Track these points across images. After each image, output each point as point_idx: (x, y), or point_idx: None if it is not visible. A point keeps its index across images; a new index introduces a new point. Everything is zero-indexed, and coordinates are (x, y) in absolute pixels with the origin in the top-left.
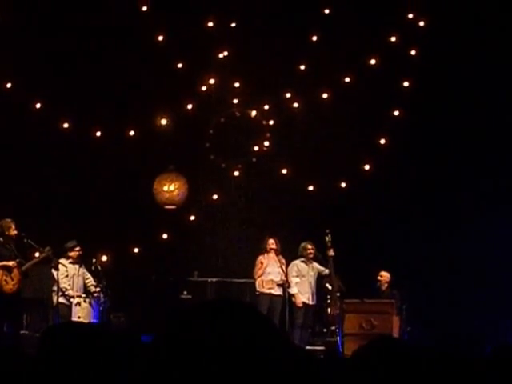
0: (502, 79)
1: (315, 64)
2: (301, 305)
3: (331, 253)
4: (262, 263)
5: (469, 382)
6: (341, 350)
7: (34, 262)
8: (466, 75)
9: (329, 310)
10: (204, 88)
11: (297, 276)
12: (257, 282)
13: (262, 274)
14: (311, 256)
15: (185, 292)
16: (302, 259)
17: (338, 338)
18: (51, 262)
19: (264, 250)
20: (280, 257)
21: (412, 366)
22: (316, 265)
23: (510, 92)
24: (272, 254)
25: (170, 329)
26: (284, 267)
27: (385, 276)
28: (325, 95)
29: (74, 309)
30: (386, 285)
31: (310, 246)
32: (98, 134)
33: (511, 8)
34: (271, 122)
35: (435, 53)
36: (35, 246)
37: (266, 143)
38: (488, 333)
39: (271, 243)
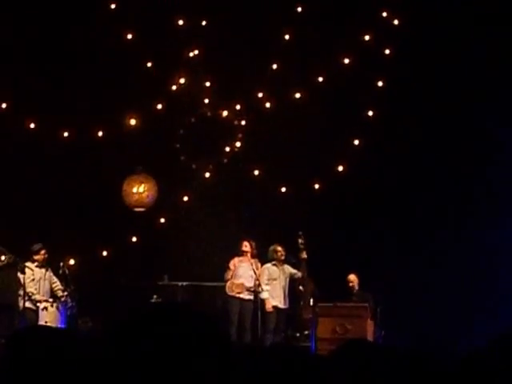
0: (479, 78)
1: (288, 63)
2: (271, 310)
3: (304, 255)
4: (234, 266)
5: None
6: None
7: None
8: (442, 74)
9: (302, 313)
10: (174, 87)
11: (267, 283)
12: (227, 285)
13: (232, 277)
14: (282, 258)
15: (155, 296)
16: (273, 262)
17: (311, 342)
18: (17, 266)
19: (239, 253)
20: (254, 260)
21: (386, 369)
22: (288, 267)
23: (486, 90)
24: (246, 257)
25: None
26: (258, 271)
27: (354, 279)
28: (297, 95)
29: (41, 313)
30: (356, 287)
31: (279, 248)
32: (66, 134)
33: (487, 6)
34: (243, 123)
35: (410, 52)
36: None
37: (238, 144)
38: (462, 336)
39: (244, 245)
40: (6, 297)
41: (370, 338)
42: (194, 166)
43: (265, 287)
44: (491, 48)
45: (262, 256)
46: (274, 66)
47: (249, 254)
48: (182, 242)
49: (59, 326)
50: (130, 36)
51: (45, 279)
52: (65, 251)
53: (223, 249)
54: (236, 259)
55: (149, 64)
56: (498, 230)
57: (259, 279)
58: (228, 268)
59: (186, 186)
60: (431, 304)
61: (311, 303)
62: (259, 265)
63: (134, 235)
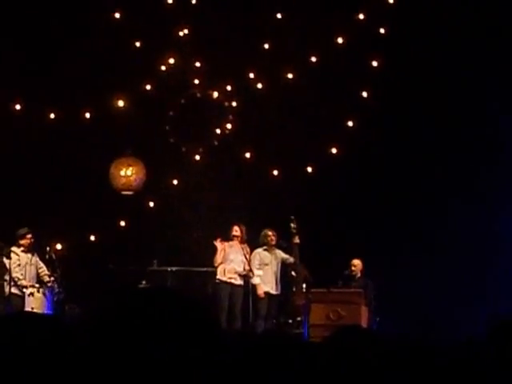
0: (476, 55)
1: (280, 43)
2: (263, 295)
3: (296, 240)
4: (223, 250)
5: (439, 372)
6: None
7: None
8: (437, 53)
9: (294, 299)
10: (163, 68)
11: (259, 268)
12: (218, 270)
13: (222, 262)
14: (273, 243)
15: (143, 282)
16: (265, 247)
17: (304, 329)
18: (2, 251)
19: (229, 238)
20: (245, 245)
21: (380, 355)
22: (280, 252)
23: (481, 72)
24: (237, 242)
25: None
26: (248, 256)
27: (358, 264)
28: (290, 75)
29: (27, 299)
30: (359, 273)
31: (270, 233)
32: (52, 116)
33: None
34: (234, 104)
35: (405, 30)
36: None
37: (229, 126)
38: (459, 322)
39: (234, 230)
40: None
41: (364, 324)
42: (183, 149)
43: (256, 272)
44: (490, 26)
45: (254, 241)
46: (266, 46)
47: (237, 239)
48: (171, 226)
49: (46, 312)
50: (117, 15)
51: (31, 264)
52: (51, 235)
53: (214, 233)
54: (226, 244)
55: (137, 44)
56: (499, 216)
57: (250, 264)
58: (216, 252)
59: (176, 169)
60: (428, 290)
61: (304, 289)
62: (248, 249)
63: (123, 219)
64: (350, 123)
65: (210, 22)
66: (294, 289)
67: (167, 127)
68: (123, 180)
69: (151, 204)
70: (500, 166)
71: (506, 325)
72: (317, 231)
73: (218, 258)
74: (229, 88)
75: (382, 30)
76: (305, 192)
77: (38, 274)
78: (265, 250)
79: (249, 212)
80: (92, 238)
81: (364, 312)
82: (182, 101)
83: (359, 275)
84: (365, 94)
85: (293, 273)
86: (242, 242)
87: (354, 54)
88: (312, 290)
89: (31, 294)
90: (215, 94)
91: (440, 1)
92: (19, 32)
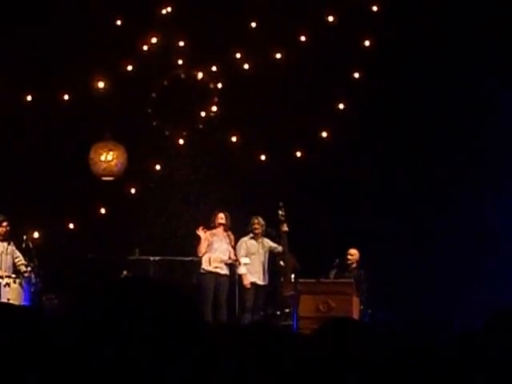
0: (471, 35)
1: (268, 21)
2: (249, 286)
3: (285, 228)
4: (207, 239)
5: (431, 368)
6: None
7: None
8: (432, 32)
9: (282, 290)
10: (145, 47)
11: (246, 256)
12: (203, 259)
13: (207, 251)
14: (257, 231)
15: (125, 272)
16: (251, 235)
17: (293, 321)
18: None
19: (212, 225)
20: (229, 233)
21: (371, 348)
22: (267, 241)
23: (479, 51)
24: (220, 230)
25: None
26: (233, 244)
27: (354, 254)
28: (278, 55)
29: (3, 290)
30: (355, 263)
31: (256, 221)
32: (29, 98)
33: None
34: (219, 85)
35: (398, 8)
36: None
37: (214, 108)
38: (455, 317)
39: (220, 218)
40: None
41: (355, 316)
42: (166, 133)
43: (243, 260)
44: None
45: (239, 229)
46: (253, 25)
47: (222, 227)
48: (153, 213)
49: (23, 303)
50: None
51: (7, 253)
52: (28, 223)
53: (197, 221)
54: (208, 232)
55: (118, 22)
56: (499, 208)
57: (236, 253)
58: (200, 241)
59: (159, 153)
60: (423, 283)
61: (292, 279)
62: (233, 237)
63: (103, 206)
64: (341, 105)
65: None
66: (283, 279)
67: (149, 110)
68: (103, 165)
69: (133, 190)
70: (498, 152)
71: (504, 316)
72: (306, 219)
73: (202, 247)
74: (214, 69)
75: (374, 8)
76: (294, 178)
77: (14, 264)
78: (251, 238)
79: (235, 199)
80: (71, 225)
81: (355, 303)
82: (165, 82)
83: (354, 265)
84: (356, 75)
85: (281, 262)
86: (226, 230)
87: (345, 33)
88: (301, 281)
89: (7, 284)
90: (200, 75)
91: None
92: None
